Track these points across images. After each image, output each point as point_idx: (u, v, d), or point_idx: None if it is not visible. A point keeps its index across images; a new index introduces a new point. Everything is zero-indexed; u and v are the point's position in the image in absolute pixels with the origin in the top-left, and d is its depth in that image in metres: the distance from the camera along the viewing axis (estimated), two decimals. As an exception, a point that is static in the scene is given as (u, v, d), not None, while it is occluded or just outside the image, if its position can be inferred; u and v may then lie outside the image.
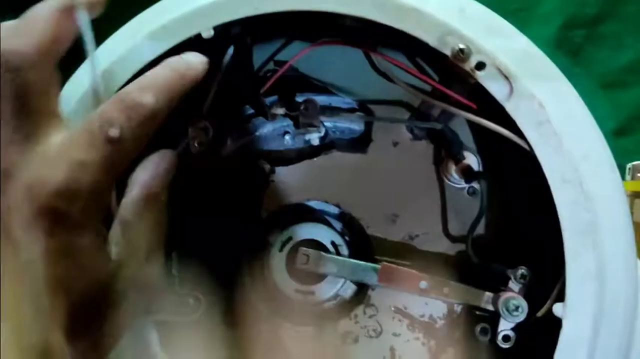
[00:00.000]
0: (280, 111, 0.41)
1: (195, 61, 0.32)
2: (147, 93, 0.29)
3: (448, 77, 0.40)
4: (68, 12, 0.30)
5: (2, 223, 0.27)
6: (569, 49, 0.77)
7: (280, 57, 0.43)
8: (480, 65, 0.35)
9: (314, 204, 0.45)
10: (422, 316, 0.44)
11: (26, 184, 0.27)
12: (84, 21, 0.30)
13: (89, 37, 0.30)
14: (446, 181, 0.44)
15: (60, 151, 0.28)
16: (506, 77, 0.35)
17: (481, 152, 0.43)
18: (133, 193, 0.31)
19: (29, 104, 0.28)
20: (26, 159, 0.28)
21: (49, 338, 0.27)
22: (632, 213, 0.39)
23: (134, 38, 0.36)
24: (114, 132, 0.28)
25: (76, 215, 0.28)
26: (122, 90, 0.30)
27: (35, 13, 0.29)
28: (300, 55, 0.40)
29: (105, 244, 0.30)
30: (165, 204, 0.33)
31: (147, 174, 0.31)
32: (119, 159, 0.29)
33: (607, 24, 0.77)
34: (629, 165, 0.73)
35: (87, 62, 0.31)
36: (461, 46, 0.35)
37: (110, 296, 0.30)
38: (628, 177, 0.75)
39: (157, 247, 0.32)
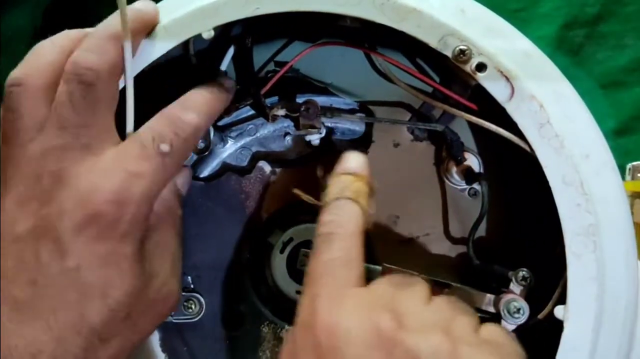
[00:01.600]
0: (281, 112, 0.41)
1: (227, 85, 0.37)
2: (190, 112, 0.32)
3: (449, 79, 0.40)
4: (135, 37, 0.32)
5: (51, 225, 0.28)
6: (569, 49, 0.77)
7: (280, 57, 0.43)
8: (481, 67, 0.35)
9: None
10: (423, 317, 0.44)
11: (80, 190, 0.29)
12: (127, 50, 0.31)
13: (129, 65, 0.32)
14: (447, 182, 0.43)
15: (115, 162, 0.30)
16: (507, 79, 0.35)
17: (482, 154, 0.43)
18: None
19: (94, 116, 0.30)
20: (81, 167, 0.29)
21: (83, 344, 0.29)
22: (632, 214, 0.39)
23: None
24: (164, 147, 0.31)
25: (125, 224, 0.29)
26: (166, 109, 0.33)
27: (107, 32, 0.31)
28: (300, 56, 0.40)
29: (146, 253, 0.32)
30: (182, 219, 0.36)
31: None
32: (167, 172, 0.31)
33: (607, 23, 0.77)
34: (629, 165, 0.73)
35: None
36: (462, 47, 0.35)
37: (142, 304, 0.31)
38: (628, 177, 0.75)
39: (179, 259, 0.35)
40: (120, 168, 0.30)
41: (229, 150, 0.46)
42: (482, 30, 0.36)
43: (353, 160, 0.35)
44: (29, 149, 0.29)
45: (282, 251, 0.44)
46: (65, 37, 0.32)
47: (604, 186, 0.36)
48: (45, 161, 0.29)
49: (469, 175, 0.42)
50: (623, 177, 0.72)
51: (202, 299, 0.43)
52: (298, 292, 0.44)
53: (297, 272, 0.43)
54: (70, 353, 0.28)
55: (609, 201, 0.36)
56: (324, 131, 0.43)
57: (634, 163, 0.71)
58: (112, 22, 0.31)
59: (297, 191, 0.38)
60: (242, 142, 0.46)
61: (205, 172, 0.46)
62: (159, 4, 0.37)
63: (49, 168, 0.29)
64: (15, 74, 0.31)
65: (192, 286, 0.44)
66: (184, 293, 0.42)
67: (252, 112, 0.45)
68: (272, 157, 0.46)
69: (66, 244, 0.28)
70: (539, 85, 0.36)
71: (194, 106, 0.33)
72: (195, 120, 0.32)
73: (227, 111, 0.44)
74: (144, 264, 0.31)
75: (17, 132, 0.30)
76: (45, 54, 0.31)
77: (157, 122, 0.32)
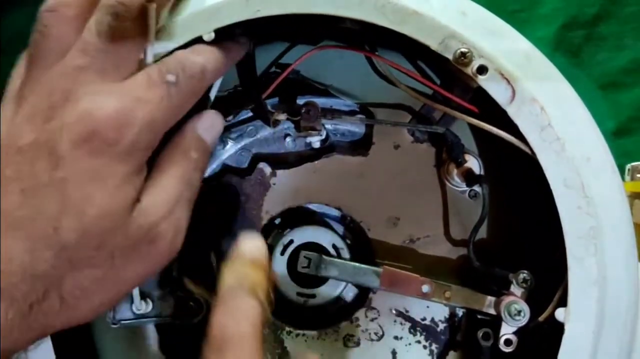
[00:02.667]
0: (282, 116, 0.41)
1: (236, 45, 0.37)
2: (199, 55, 0.33)
3: (449, 81, 0.40)
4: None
5: (51, 138, 0.29)
6: (569, 49, 0.77)
7: (282, 60, 0.43)
8: (482, 69, 0.35)
9: (315, 207, 0.45)
10: (424, 319, 0.44)
11: (84, 107, 0.29)
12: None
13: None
14: (448, 184, 0.43)
15: (122, 87, 0.31)
16: (508, 81, 0.35)
17: (483, 156, 0.43)
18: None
19: (116, 45, 0.31)
20: (91, 88, 0.30)
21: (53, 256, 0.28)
22: (631, 214, 0.39)
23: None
24: (171, 77, 0.31)
25: (122, 145, 0.29)
26: (178, 51, 0.33)
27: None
28: (301, 60, 0.40)
29: (140, 184, 0.31)
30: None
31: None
32: (172, 102, 0.31)
33: (606, 24, 0.77)
34: (628, 166, 0.73)
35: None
36: (463, 50, 0.35)
37: (122, 237, 0.30)
38: (627, 177, 0.75)
39: (182, 207, 0.33)
40: (126, 92, 0.30)
41: (229, 151, 0.46)
42: (483, 33, 0.36)
43: (249, 246, 0.33)
44: (50, 70, 0.30)
45: (282, 253, 0.44)
46: None
47: (604, 188, 0.36)
48: (60, 80, 0.30)
49: (469, 177, 0.42)
50: (622, 178, 0.72)
51: (202, 301, 0.42)
52: (298, 294, 0.44)
53: (298, 274, 0.43)
54: (39, 267, 0.28)
55: (609, 204, 0.36)
56: (324, 133, 0.43)
57: (633, 164, 0.71)
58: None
59: (187, 281, 0.39)
60: (242, 143, 0.46)
61: (205, 174, 0.46)
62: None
63: (61, 86, 0.30)
64: (51, 1, 0.32)
65: (192, 287, 0.44)
66: (184, 295, 0.42)
67: (252, 113, 0.45)
68: (273, 159, 0.45)
69: (60, 157, 0.28)
70: (540, 87, 0.36)
71: (204, 53, 0.34)
72: (202, 62, 0.33)
73: (227, 114, 0.45)
74: (132, 191, 0.30)
75: (43, 54, 0.31)
76: None
77: (166, 59, 0.32)
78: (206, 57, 0.33)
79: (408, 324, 0.45)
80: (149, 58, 0.32)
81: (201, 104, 0.35)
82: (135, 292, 0.41)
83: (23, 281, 0.28)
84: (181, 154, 0.33)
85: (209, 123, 0.35)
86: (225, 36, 0.36)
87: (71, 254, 0.28)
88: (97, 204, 0.29)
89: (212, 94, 0.38)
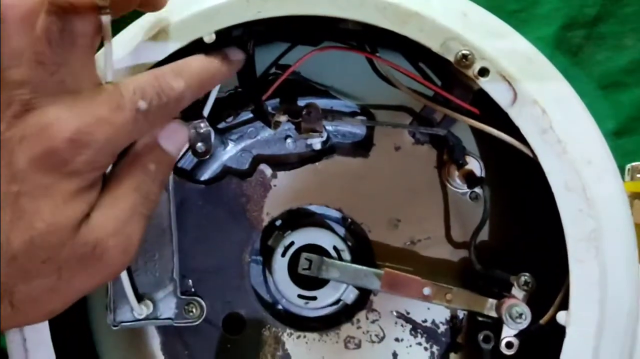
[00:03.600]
0: (283, 118, 0.41)
1: (233, 57, 0.36)
2: (180, 79, 0.31)
3: (450, 82, 0.40)
4: None
5: (10, 149, 0.28)
6: (569, 49, 0.76)
7: (281, 60, 0.43)
8: (484, 71, 0.35)
9: (315, 208, 0.45)
10: (425, 321, 0.44)
11: (45, 122, 0.28)
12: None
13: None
14: (449, 186, 0.43)
15: (86, 103, 0.29)
16: (509, 83, 0.35)
17: (484, 158, 0.43)
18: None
19: (72, 54, 0.30)
20: (53, 101, 0.29)
21: None
22: (632, 214, 0.39)
23: (136, 41, 0.35)
24: (142, 104, 0.30)
25: (76, 164, 0.29)
26: (158, 69, 0.32)
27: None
28: (302, 61, 0.40)
29: (93, 199, 0.30)
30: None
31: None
32: (136, 128, 0.30)
33: (606, 24, 0.77)
34: (628, 166, 0.73)
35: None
36: (464, 52, 0.35)
37: (69, 252, 0.29)
38: (627, 177, 0.75)
39: (134, 225, 0.32)
40: (90, 110, 0.29)
41: (229, 153, 0.46)
42: (484, 34, 0.36)
43: None
44: (6, 75, 0.29)
45: (283, 255, 0.44)
46: None
47: (606, 191, 0.36)
48: (19, 90, 0.29)
49: (470, 179, 0.42)
50: (622, 178, 0.72)
51: (202, 303, 0.42)
52: (300, 296, 0.44)
53: (299, 276, 0.43)
54: None
55: (611, 207, 0.36)
56: (325, 135, 0.43)
57: (633, 164, 0.71)
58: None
59: None
60: (242, 144, 0.46)
61: (206, 175, 0.46)
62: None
63: (21, 97, 0.29)
64: None
65: (193, 289, 0.44)
66: (184, 297, 0.42)
67: (252, 115, 0.45)
68: (273, 160, 0.45)
69: (16, 170, 0.28)
70: (542, 89, 0.35)
71: (187, 74, 0.32)
72: (181, 88, 0.31)
73: (227, 115, 0.44)
74: (81, 207, 0.30)
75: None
76: None
77: (143, 78, 0.31)
78: (188, 81, 0.32)
79: (409, 326, 0.45)
80: (109, 77, 0.31)
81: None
82: (131, 297, 0.40)
83: None
84: (139, 165, 0.33)
85: (171, 133, 0.34)
86: (225, 39, 0.36)
87: (21, 264, 0.28)
88: (44, 219, 0.28)
89: (210, 102, 0.38)
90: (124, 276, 0.40)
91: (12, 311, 0.29)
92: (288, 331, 0.45)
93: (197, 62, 0.33)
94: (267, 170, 0.44)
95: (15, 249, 0.28)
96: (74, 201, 0.29)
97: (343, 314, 0.45)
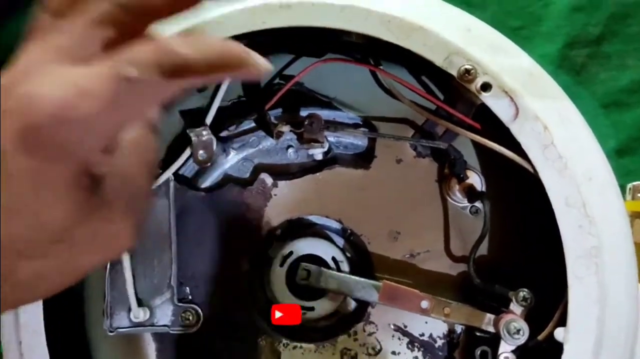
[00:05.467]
0: (285, 128, 0.41)
1: (258, 61, 0.28)
2: (190, 49, 0.26)
3: (453, 96, 0.40)
4: None
5: (2, 124, 0.26)
6: (572, 67, 0.77)
7: (286, 71, 0.43)
8: (486, 87, 0.35)
9: (315, 219, 0.45)
10: (422, 335, 0.44)
11: (27, 90, 0.26)
12: None
13: None
14: (449, 199, 0.43)
15: (73, 72, 0.27)
16: (511, 99, 0.35)
17: (485, 172, 0.43)
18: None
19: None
20: (49, 68, 0.27)
21: None
22: (632, 233, 0.39)
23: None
24: (131, 70, 0.25)
25: (62, 143, 0.26)
26: (167, 37, 0.27)
27: None
28: (306, 72, 0.40)
29: (85, 189, 0.28)
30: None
31: None
32: (119, 103, 0.26)
33: (610, 44, 0.77)
34: (629, 185, 0.73)
35: None
36: (467, 67, 0.35)
37: (77, 233, 0.28)
38: (628, 197, 0.75)
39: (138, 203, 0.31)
40: (74, 80, 0.26)
41: (231, 161, 0.46)
42: (487, 50, 0.36)
43: None
44: (35, 43, 0.28)
45: (281, 265, 0.44)
46: None
47: (606, 208, 0.36)
48: (34, 54, 0.28)
49: (471, 193, 0.42)
50: (623, 197, 0.72)
51: (199, 311, 0.42)
52: (297, 306, 0.44)
53: (297, 286, 0.43)
54: None
55: (611, 223, 0.36)
56: (327, 145, 0.43)
57: (635, 183, 0.71)
58: None
59: None
60: (244, 153, 0.46)
61: (207, 183, 0.46)
62: None
63: (32, 59, 0.28)
64: None
65: (190, 296, 0.43)
66: (181, 304, 0.42)
67: (255, 124, 0.45)
68: (274, 170, 0.45)
69: (4, 151, 0.26)
70: (544, 106, 0.36)
71: (200, 47, 0.26)
72: (189, 55, 0.26)
73: (230, 124, 0.45)
74: (77, 201, 0.28)
75: (41, 25, 0.29)
76: None
77: (144, 46, 0.27)
78: (199, 55, 0.26)
79: (406, 340, 0.44)
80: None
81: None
82: (133, 300, 0.40)
83: None
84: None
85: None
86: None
87: (19, 247, 0.27)
88: (45, 210, 0.27)
89: (213, 110, 0.38)
90: (128, 277, 0.40)
91: (12, 291, 0.28)
92: (284, 341, 0.45)
93: (219, 45, 0.27)
94: (268, 179, 0.44)
95: (14, 232, 0.28)
96: (67, 188, 0.27)
97: (340, 326, 0.45)
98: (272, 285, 0.44)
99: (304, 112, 0.43)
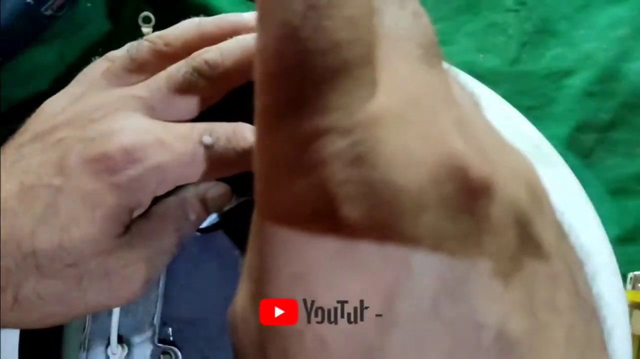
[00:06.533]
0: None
1: None
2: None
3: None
4: None
5: (69, 146, 0.29)
6: (580, 151, 0.77)
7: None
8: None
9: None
10: None
11: (110, 127, 0.29)
12: None
13: None
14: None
15: (156, 126, 0.30)
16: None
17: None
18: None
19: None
20: (130, 117, 0.30)
21: None
22: (631, 324, 0.38)
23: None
24: (207, 139, 0.30)
25: (124, 177, 0.28)
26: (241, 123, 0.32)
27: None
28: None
29: (125, 221, 0.30)
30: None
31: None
32: (193, 164, 0.30)
33: (619, 131, 0.78)
34: (630, 274, 0.72)
35: None
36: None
37: (93, 265, 0.29)
38: (629, 286, 0.73)
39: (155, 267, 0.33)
40: (154, 132, 0.29)
41: (230, 204, 0.45)
42: (492, 117, 0.36)
43: None
44: (113, 89, 0.31)
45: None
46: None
47: (604, 292, 0.35)
48: (113, 100, 0.30)
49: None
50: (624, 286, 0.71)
51: (179, 354, 0.41)
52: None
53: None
54: (5, 261, 0.28)
55: (609, 309, 0.35)
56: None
57: (636, 272, 0.70)
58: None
59: None
60: (244, 197, 0.46)
61: (204, 224, 0.45)
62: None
63: (110, 105, 0.30)
64: (155, 33, 0.33)
65: (171, 338, 0.42)
66: (161, 345, 0.41)
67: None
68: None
69: (66, 166, 0.28)
70: (546, 179, 0.35)
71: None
72: (249, 144, 0.31)
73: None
74: (117, 226, 0.30)
75: (119, 73, 0.32)
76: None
77: (220, 124, 0.31)
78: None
79: None
80: None
81: None
82: (114, 336, 0.39)
83: None
84: (185, 208, 0.33)
85: (219, 193, 0.35)
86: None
87: (40, 261, 0.28)
88: (81, 227, 0.28)
89: None
90: (116, 313, 0.39)
91: (12, 306, 0.28)
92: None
93: None
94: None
95: (38, 247, 0.28)
96: (113, 216, 0.29)
97: None
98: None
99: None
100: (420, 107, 0.14)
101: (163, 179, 0.30)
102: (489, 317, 0.14)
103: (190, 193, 0.34)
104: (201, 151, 0.30)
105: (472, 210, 0.14)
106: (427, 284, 0.13)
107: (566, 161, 0.38)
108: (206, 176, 0.31)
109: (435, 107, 0.14)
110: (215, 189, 0.35)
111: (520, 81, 0.79)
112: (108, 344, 0.40)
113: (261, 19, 0.15)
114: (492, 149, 0.15)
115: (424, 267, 0.13)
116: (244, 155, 0.31)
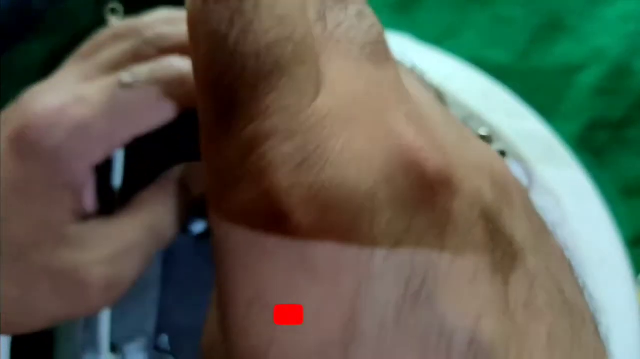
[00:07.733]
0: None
1: None
2: (187, 63, 0.27)
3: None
4: None
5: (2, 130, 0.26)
6: (592, 149, 0.76)
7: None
8: (501, 154, 0.34)
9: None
10: None
11: (31, 100, 0.26)
12: None
13: None
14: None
15: (78, 85, 0.27)
16: (526, 170, 0.34)
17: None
18: None
19: None
20: (59, 85, 0.27)
21: None
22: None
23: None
24: (126, 77, 0.26)
25: (48, 147, 0.25)
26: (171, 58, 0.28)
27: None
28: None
29: (74, 204, 0.27)
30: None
31: None
32: (114, 110, 0.26)
33: (632, 129, 0.76)
34: (640, 277, 0.70)
35: None
36: (482, 133, 0.34)
37: (38, 259, 0.26)
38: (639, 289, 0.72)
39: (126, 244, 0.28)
40: (74, 90, 0.26)
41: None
42: (503, 116, 0.35)
43: None
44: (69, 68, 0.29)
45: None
46: None
47: (616, 294, 0.34)
48: (59, 79, 0.28)
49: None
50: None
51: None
52: None
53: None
54: None
55: (620, 311, 0.34)
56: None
57: (647, 275, 0.69)
58: None
59: None
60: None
61: (200, 229, 0.44)
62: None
63: (54, 83, 0.28)
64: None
65: (167, 346, 0.41)
66: (156, 353, 0.40)
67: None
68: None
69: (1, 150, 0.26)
70: (558, 180, 0.34)
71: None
72: (185, 70, 0.27)
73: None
74: (62, 212, 0.26)
75: (81, 54, 0.30)
76: None
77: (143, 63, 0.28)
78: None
79: None
80: None
81: None
82: (105, 344, 0.38)
83: None
84: (160, 197, 0.29)
85: (198, 173, 0.31)
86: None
87: None
88: (23, 214, 0.26)
89: None
90: (105, 320, 0.38)
91: None
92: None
93: None
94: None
95: None
96: (50, 198, 0.26)
97: None
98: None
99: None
100: (366, 104, 0.14)
101: (89, 138, 0.26)
102: (459, 320, 0.13)
103: (166, 178, 0.30)
104: (123, 94, 0.26)
105: (431, 206, 0.13)
106: (388, 290, 0.13)
107: (578, 159, 0.37)
108: (141, 121, 0.27)
109: (383, 103, 0.14)
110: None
111: (530, 77, 0.78)
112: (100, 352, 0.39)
113: (191, 33, 0.14)
114: (452, 143, 0.15)
115: (384, 270, 0.13)
116: (175, 86, 0.27)
